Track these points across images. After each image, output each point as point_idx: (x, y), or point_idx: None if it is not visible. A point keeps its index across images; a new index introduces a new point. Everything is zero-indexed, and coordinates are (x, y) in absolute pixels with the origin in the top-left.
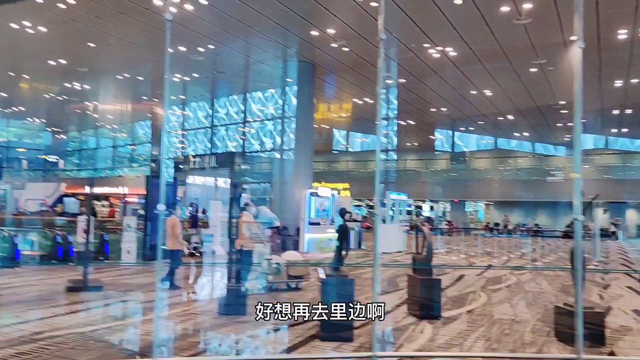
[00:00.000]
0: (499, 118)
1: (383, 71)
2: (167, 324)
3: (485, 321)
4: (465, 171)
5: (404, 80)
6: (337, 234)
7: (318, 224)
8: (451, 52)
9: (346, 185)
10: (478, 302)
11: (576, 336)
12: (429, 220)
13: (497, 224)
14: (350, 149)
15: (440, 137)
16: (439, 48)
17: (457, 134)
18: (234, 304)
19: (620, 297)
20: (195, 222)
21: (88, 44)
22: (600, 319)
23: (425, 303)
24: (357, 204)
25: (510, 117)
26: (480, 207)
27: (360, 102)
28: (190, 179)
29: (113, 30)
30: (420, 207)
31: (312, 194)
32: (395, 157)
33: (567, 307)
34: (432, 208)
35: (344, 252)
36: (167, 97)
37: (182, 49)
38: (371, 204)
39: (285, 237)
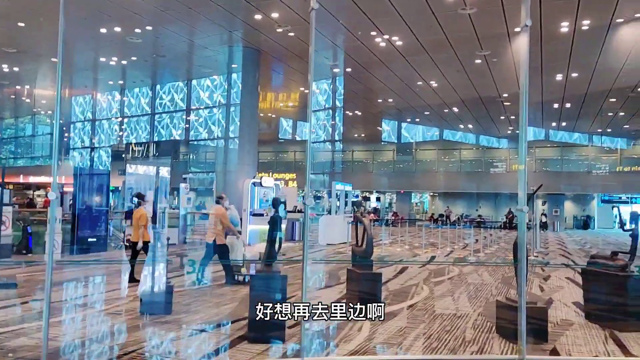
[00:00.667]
0: (444, 110)
1: (314, 45)
2: (72, 327)
3: (426, 317)
4: (411, 162)
5: (350, 70)
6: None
7: (261, 215)
8: (397, 41)
9: (293, 175)
10: (420, 295)
11: (519, 335)
12: (375, 211)
13: (441, 215)
14: (298, 139)
15: (387, 128)
16: (386, 37)
17: (403, 125)
18: (159, 302)
19: (560, 289)
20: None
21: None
22: (542, 314)
23: (365, 298)
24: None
25: (455, 109)
26: (426, 199)
27: (307, 91)
28: (131, 169)
29: (43, 8)
30: (368, 199)
31: (254, 184)
32: (341, 147)
33: (509, 302)
34: (378, 199)
35: (277, 246)
36: (59, 81)
37: (118, 29)
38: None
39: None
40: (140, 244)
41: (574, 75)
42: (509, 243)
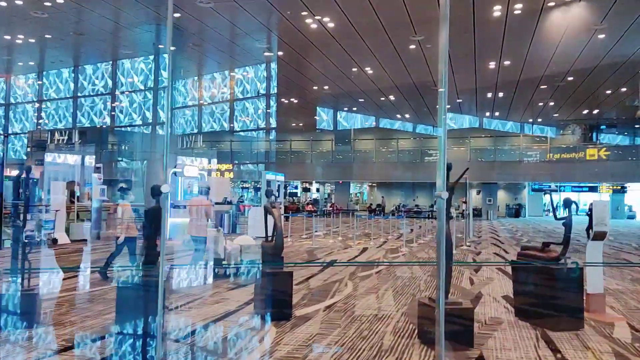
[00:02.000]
0: (381, 98)
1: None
2: None
3: (343, 319)
4: (349, 152)
5: (283, 53)
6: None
7: (184, 207)
8: (329, 22)
9: (229, 166)
10: (342, 293)
11: (437, 342)
12: (315, 202)
13: (379, 205)
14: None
15: (325, 117)
16: (317, 17)
17: (342, 114)
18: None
19: (490, 282)
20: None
21: None
22: (468, 314)
23: (274, 301)
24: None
25: (392, 97)
26: (365, 189)
27: (239, 76)
28: (50, 157)
29: None
30: (308, 189)
31: (176, 174)
32: (275, 136)
33: (432, 302)
34: (318, 190)
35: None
36: None
37: (19, 2)
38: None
39: None
40: (121, 239)
41: (507, 63)
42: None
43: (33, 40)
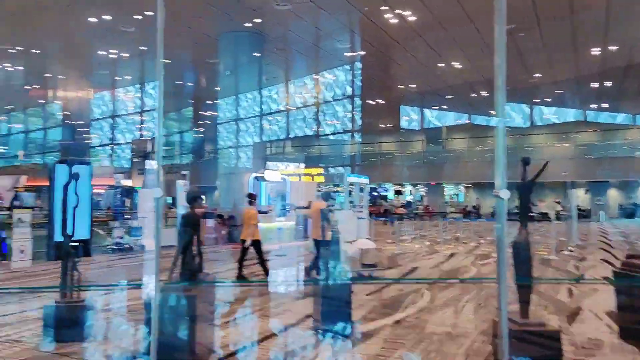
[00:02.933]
0: (471, 94)
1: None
2: None
3: (411, 337)
4: (441, 152)
5: (365, 53)
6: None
7: (265, 212)
8: (410, 16)
9: (320, 170)
10: (416, 306)
11: None
12: (409, 204)
13: (474, 207)
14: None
15: (415, 117)
16: (397, 11)
17: (433, 113)
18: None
19: (593, 294)
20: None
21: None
22: (555, 340)
23: (331, 314)
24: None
25: (484, 92)
26: (461, 190)
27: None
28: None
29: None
30: (400, 192)
31: (257, 179)
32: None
33: (513, 324)
34: (410, 192)
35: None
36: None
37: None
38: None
39: (232, 228)
40: (248, 242)
41: (612, 48)
42: (545, 236)
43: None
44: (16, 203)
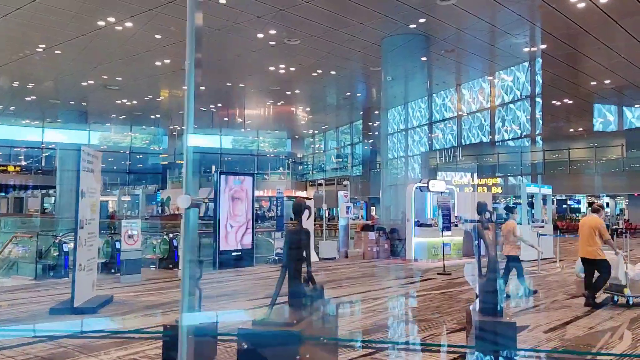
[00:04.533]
0: None
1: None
2: None
3: None
4: None
5: (545, 46)
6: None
7: (429, 225)
8: None
9: (496, 180)
10: (614, 349)
11: None
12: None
13: None
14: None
15: (611, 119)
16: None
17: (634, 112)
18: None
19: None
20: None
21: None
22: None
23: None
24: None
25: None
26: None
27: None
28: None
29: None
30: (592, 203)
31: (421, 189)
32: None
33: None
34: (607, 204)
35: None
36: None
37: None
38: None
39: (395, 242)
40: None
41: None
42: None
43: None
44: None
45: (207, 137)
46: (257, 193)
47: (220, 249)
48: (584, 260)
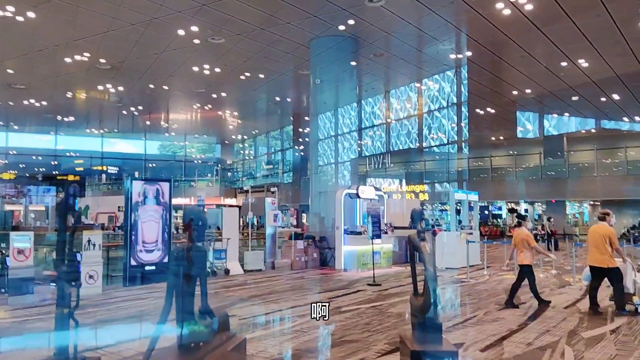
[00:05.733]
0: (602, 99)
1: None
2: None
3: None
4: (562, 166)
5: (470, 53)
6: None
7: (359, 233)
8: (526, 4)
9: (423, 187)
10: None
11: None
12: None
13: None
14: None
15: (530, 128)
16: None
17: (551, 122)
18: None
19: None
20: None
21: None
22: None
23: None
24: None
25: (615, 96)
26: (586, 208)
27: (427, 87)
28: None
29: None
30: (514, 211)
31: (350, 196)
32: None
33: None
34: (526, 211)
35: None
36: None
37: None
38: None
39: (324, 251)
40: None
41: None
42: None
43: None
44: None
45: (131, 142)
46: (184, 201)
47: (132, 264)
48: (593, 269)
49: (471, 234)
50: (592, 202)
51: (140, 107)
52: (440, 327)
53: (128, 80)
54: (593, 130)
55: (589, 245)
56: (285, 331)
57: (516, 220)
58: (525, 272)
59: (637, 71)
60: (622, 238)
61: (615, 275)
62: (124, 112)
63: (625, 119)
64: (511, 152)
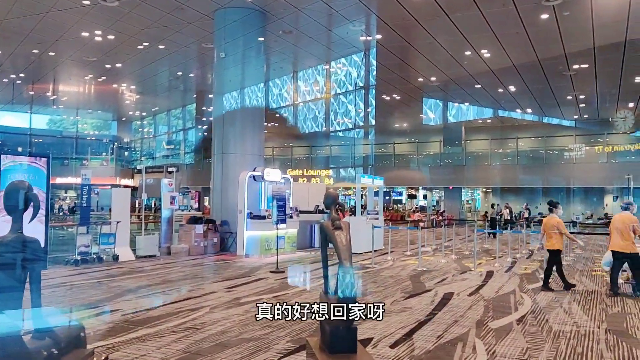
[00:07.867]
0: (499, 90)
1: None
2: None
3: None
4: (460, 155)
5: (380, 36)
6: None
7: (263, 217)
8: None
9: (328, 172)
10: None
11: None
12: (422, 209)
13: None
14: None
15: (432, 116)
16: None
17: (451, 112)
18: None
19: None
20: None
21: None
22: None
23: None
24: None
25: (512, 87)
26: (478, 195)
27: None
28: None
29: None
30: (414, 196)
31: (255, 179)
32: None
33: None
34: (424, 197)
35: None
36: None
37: None
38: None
39: (224, 235)
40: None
41: None
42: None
43: None
44: None
45: (15, 114)
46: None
47: None
48: (616, 253)
49: (377, 219)
50: (484, 189)
51: (22, 75)
52: (354, 333)
53: (7, 43)
54: (489, 121)
55: (611, 231)
56: (174, 330)
57: (548, 206)
58: (555, 256)
59: (533, 64)
60: (509, 223)
61: (636, 260)
62: (4, 79)
63: (518, 110)
64: (414, 139)
